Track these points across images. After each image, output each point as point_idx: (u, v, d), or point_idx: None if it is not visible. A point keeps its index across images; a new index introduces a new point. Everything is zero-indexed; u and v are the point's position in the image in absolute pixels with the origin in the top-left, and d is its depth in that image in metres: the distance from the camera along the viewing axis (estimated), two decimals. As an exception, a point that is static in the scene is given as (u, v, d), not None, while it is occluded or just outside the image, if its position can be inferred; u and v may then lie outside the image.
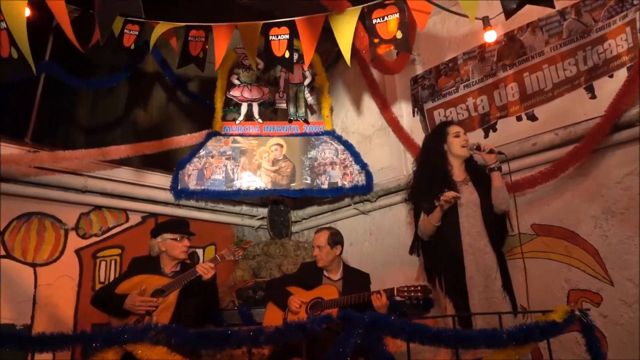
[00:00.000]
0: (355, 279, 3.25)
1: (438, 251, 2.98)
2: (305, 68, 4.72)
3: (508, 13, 2.72)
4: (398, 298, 2.89)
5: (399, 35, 2.91)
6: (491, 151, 2.96)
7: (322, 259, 3.24)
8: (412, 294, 2.82)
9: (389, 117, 4.40)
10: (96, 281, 3.95)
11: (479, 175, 3.05)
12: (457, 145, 3.07)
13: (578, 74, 3.29)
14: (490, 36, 3.27)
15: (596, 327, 2.29)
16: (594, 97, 3.21)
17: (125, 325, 1.88)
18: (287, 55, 3.08)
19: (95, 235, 4.04)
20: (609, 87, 3.10)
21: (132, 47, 3.33)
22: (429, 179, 3.05)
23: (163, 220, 3.88)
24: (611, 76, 3.13)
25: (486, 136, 3.74)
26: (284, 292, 3.20)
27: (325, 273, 3.28)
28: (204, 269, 2.93)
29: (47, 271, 3.72)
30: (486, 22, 3.28)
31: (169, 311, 2.87)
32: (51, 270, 3.75)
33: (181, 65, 3.48)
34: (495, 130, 3.72)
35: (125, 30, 3.31)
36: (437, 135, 3.22)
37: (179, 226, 3.23)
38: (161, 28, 3.27)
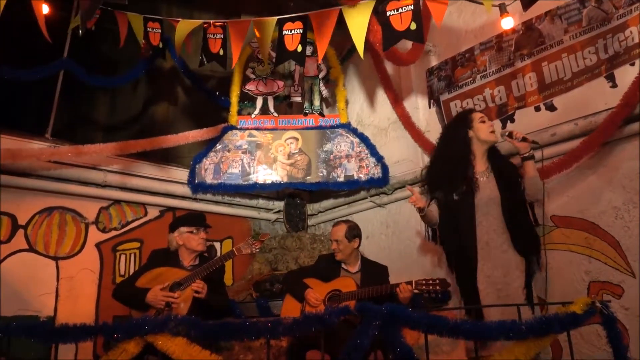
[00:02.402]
0: (374, 272, 3.24)
1: (452, 248, 2.96)
2: (319, 62, 4.70)
3: (525, 4, 2.67)
4: (416, 291, 2.88)
5: (413, 26, 2.88)
6: (524, 139, 2.87)
7: (340, 253, 3.24)
8: (431, 287, 2.81)
9: (400, 112, 4.37)
10: (116, 274, 4.01)
11: (501, 165, 2.99)
12: (485, 130, 2.99)
13: (598, 63, 3.23)
14: (508, 23, 3.21)
15: (617, 319, 2.26)
16: (614, 86, 3.14)
17: (146, 317, 1.91)
18: (299, 49, 3.07)
19: (115, 229, 4.10)
20: (631, 75, 3.02)
21: (160, 45, 3.35)
22: (447, 167, 3.00)
23: (181, 214, 3.92)
24: (633, 64, 3.06)
25: (504, 127, 3.69)
26: (301, 284, 3.21)
27: (343, 266, 3.28)
28: (198, 287, 2.95)
29: (68, 264, 3.80)
30: (503, 9, 3.23)
31: (187, 303, 2.90)
32: (73, 263, 3.82)
33: (202, 63, 3.48)
34: (513, 121, 3.67)
35: (148, 29, 3.32)
36: (460, 121, 3.12)
37: (194, 219, 3.26)
38: (184, 26, 3.28)
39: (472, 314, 2.70)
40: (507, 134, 2.95)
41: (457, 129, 3.10)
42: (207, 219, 3.33)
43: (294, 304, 3.21)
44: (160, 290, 2.90)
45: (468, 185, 2.89)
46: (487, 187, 2.93)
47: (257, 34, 3.14)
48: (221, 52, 3.34)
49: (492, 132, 3.00)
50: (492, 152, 3.05)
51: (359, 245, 3.30)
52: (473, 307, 2.63)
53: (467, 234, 2.87)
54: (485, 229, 2.86)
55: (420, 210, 2.93)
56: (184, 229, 3.17)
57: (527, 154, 2.88)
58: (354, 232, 3.28)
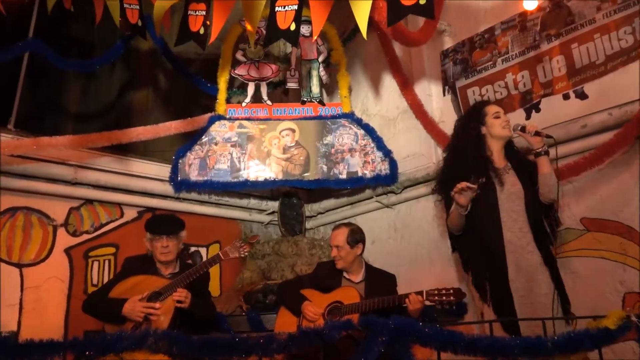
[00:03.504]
0: (380, 281, 3.25)
1: (475, 250, 2.96)
2: (313, 41, 4.65)
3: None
4: (428, 302, 2.88)
5: (422, 0, 2.88)
6: (537, 133, 2.91)
7: (342, 260, 3.25)
8: (444, 297, 2.81)
9: (411, 100, 4.37)
10: (88, 283, 4.01)
11: (520, 161, 3.02)
12: (498, 126, 3.04)
13: (635, 45, 3.22)
14: (530, 4, 3.21)
15: (656, 335, 2.26)
16: (654, 70, 3.15)
17: (121, 332, 1.91)
18: (292, 27, 3.07)
19: (87, 232, 4.10)
20: (672, 59, 3.03)
21: (140, 23, 3.34)
22: (463, 165, 3.02)
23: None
24: (674, 46, 3.07)
25: (528, 117, 3.70)
26: (298, 295, 3.22)
27: (345, 274, 3.28)
28: (180, 296, 2.95)
29: (34, 272, 3.79)
30: (527, -14, 3.23)
31: (168, 316, 2.91)
32: (39, 271, 3.82)
33: (180, 42, 3.49)
34: (538, 110, 3.67)
35: (125, 5, 3.32)
36: (472, 116, 3.19)
37: (156, 224, 3.27)
38: (162, 1, 3.27)
39: (506, 326, 2.71)
40: (519, 128, 2.97)
41: (469, 125, 3.14)
42: (191, 221, 3.35)
43: (289, 318, 3.22)
44: (138, 300, 2.91)
45: (489, 179, 2.90)
46: (508, 182, 2.96)
47: (245, 14, 3.14)
48: (202, 31, 3.33)
49: (506, 127, 3.02)
50: (510, 148, 3.08)
51: (363, 251, 3.31)
52: (489, 321, 2.63)
53: (491, 234, 2.88)
54: (509, 227, 2.87)
55: (464, 208, 2.88)
56: (148, 234, 3.20)
57: (540, 150, 2.91)
58: (356, 236, 3.28)
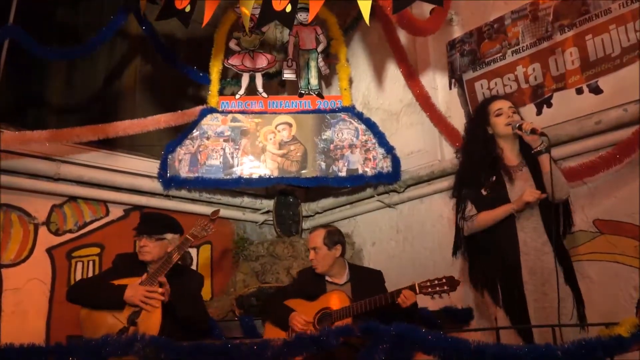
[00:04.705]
0: (366, 280, 3.28)
1: (489, 251, 2.97)
2: (310, 21, 4.61)
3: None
4: (423, 295, 2.89)
5: None
6: (533, 131, 2.91)
7: (319, 264, 3.27)
8: (438, 288, 2.83)
9: (417, 92, 4.37)
10: (71, 285, 4.01)
11: (534, 157, 3.02)
12: (500, 125, 3.05)
13: (653, 36, 3.24)
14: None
15: (672, 344, 2.28)
16: (672, 64, 3.16)
17: (106, 337, 1.92)
18: (288, 9, 3.07)
19: (70, 231, 4.10)
20: (692, 52, 3.04)
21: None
22: (474, 167, 3.04)
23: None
24: (695, 38, 3.08)
25: (539, 113, 3.71)
26: (283, 308, 3.22)
27: (328, 278, 3.30)
28: (163, 292, 2.97)
29: (13, 273, 3.79)
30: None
31: (158, 311, 2.91)
32: (19, 272, 3.81)
33: (161, 17, 3.48)
34: (550, 105, 3.68)
35: None
36: (477, 118, 3.22)
37: (140, 221, 3.28)
38: None
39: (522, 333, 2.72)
40: (517, 126, 2.98)
41: (476, 125, 3.18)
42: (181, 220, 3.33)
43: (277, 334, 3.21)
44: (140, 285, 2.91)
45: (499, 177, 2.92)
46: (521, 179, 2.97)
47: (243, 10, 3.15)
48: (187, 9, 3.33)
49: (508, 124, 3.03)
50: (524, 145, 3.08)
51: (343, 253, 3.33)
52: (495, 328, 2.65)
53: (504, 233, 2.90)
54: (522, 226, 2.89)
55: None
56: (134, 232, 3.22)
57: (538, 148, 2.92)
58: (334, 237, 3.31)
